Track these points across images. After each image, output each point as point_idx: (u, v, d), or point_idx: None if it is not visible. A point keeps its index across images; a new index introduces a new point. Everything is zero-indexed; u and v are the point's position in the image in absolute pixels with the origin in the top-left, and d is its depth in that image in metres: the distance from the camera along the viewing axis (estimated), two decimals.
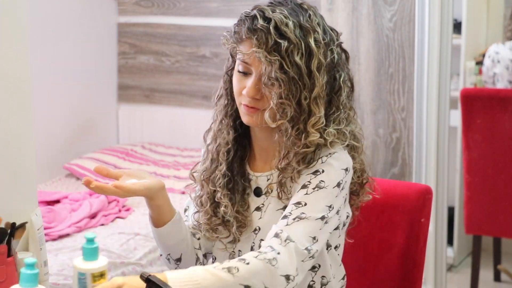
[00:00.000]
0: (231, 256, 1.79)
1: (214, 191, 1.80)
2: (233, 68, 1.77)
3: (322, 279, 1.77)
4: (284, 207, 1.71)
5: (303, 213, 1.63)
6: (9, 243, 1.93)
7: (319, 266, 1.76)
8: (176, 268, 1.80)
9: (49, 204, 3.53)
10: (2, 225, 1.95)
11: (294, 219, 1.63)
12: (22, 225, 1.99)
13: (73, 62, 4.31)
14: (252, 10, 1.70)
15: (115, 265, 2.98)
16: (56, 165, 4.14)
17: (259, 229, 1.76)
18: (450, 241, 3.95)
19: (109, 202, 3.54)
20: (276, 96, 1.65)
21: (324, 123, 1.69)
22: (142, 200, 3.74)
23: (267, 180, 1.78)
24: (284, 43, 1.63)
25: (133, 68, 4.62)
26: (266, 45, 1.64)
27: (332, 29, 1.74)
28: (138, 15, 4.55)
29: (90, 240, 1.71)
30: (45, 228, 2.97)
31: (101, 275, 1.70)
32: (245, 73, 1.71)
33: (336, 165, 1.68)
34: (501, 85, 3.61)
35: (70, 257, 2.93)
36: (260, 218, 1.77)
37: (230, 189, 1.79)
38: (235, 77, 1.74)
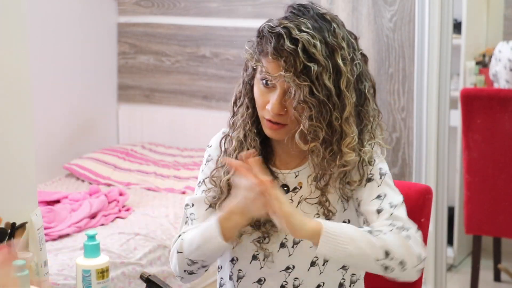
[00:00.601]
0: (256, 256, 1.77)
1: None
2: (253, 77, 1.74)
3: (352, 276, 1.80)
4: (319, 202, 1.72)
5: (390, 202, 1.68)
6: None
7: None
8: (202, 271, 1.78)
9: (49, 204, 3.53)
10: (2, 225, 1.95)
11: (391, 208, 1.67)
12: (22, 225, 1.99)
13: (73, 62, 4.31)
14: (276, 26, 1.65)
15: (115, 265, 2.98)
16: (56, 165, 4.14)
17: None
18: (450, 241, 3.95)
19: (109, 202, 3.54)
20: (307, 119, 1.63)
21: (356, 140, 1.68)
22: (142, 200, 3.77)
23: (295, 177, 1.76)
24: (313, 67, 1.60)
25: (133, 68, 4.62)
26: (295, 68, 1.61)
27: (351, 35, 1.71)
28: (138, 15, 4.55)
29: (92, 237, 1.71)
30: (45, 228, 2.97)
31: (105, 271, 1.70)
32: (269, 86, 1.68)
33: (379, 153, 1.75)
34: (499, 84, 3.62)
35: (70, 257, 2.93)
36: None
37: None
38: (258, 90, 1.71)
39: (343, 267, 1.77)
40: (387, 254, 1.59)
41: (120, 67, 4.64)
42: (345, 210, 1.75)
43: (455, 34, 3.74)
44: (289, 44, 1.61)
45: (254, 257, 1.76)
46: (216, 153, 1.82)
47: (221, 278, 1.86)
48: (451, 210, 3.91)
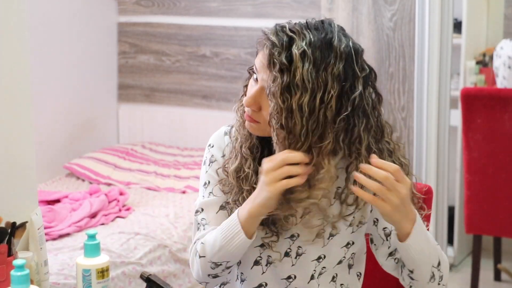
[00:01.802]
0: (258, 262, 1.76)
1: (251, 189, 1.70)
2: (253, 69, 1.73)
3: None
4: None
5: None
6: (9, 243, 1.93)
7: (361, 274, 1.82)
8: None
9: (49, 203, 3.53)
10: (3, 225, 1.95)
11: None
12: (23, 225, 1.99)
13: (73, 62, 4.31)
14: (282, 30, 1.62)
15: (115, 264, 2.98)
16: (56, 165, 4.14)
17: (298, 236, 1.73)
18: (450, 241, 3.95)
19: (109, 202, 3.54)
20: (277, 129, 1.61)
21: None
22: (142, 200, 3.77)
23: None
24: (294, 90, 1.56)
25: (133, 67, 4.62)
26: (277, 82, 1.57)
27: (366, 69, 1.65)
28: (138, 14, 4.55)
29: (92, 236, 1.71)
30: (45, 228, 2.97)
31: (105, 270, 1.70)
32: (256, 79, 1.67)
33: None
34: (498, 80, 3.62)
35: (70, 257, 2.93)
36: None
37: None
38: (250, 81, 1.71)
39: (333, 279, 1.76)
40: (439, 264, 1.66)
41: (120, 67, 4.64)
42: (352, 232, 1.75)
43: (455, 34, 3.74)
44: (283, 59, 1.58)
45: (256, 262, 1.75)
46: (219, 154, 1.80)
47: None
48: (451, 210, 3.91)
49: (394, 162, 1.64)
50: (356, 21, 3.41)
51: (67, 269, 2.84)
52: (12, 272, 1.57)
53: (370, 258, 1.88)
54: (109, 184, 3.95)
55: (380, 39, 3.39)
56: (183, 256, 3.27)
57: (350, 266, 1.78)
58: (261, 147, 1.73)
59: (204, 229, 1.76)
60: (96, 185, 3.82)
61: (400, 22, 3.36)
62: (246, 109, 1.68)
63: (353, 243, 1.75)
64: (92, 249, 1.70)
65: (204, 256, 1.70)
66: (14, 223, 1.96)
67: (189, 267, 3.30)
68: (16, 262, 1.57)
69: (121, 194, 3.64)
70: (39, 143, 3.74)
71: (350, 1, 3.41)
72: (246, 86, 1.74)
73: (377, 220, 1.74)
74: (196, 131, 4.47)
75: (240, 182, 1.72)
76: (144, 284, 1.69)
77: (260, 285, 1.76)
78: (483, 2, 4.16)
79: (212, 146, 1.82)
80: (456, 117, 3.66)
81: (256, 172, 1.68)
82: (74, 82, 4.33)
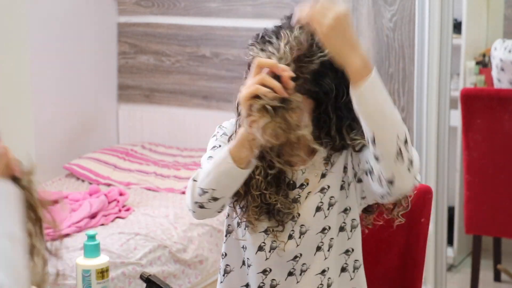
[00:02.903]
0: (262, 247, 1.78)
1: (259, 194, 1.76)
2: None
3: (355, 262, 1.82)
4: (321, 190, 1.76)
5: None
6: None
7: (353, 250, 1.81)
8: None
9: None
10: None
11: None
12: None
13: (73, 62, 4.31)
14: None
15: (115, 265, 2.98)
16: (56, 165, 4.14)
17: (299, 215, 1.77)
18: (450, 241, 3.94)
19: (109, 202, 3.54)
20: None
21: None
22: (142, 200, 3.77)
23: (302, 174, 1.78)
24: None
25: (133, 68, 4.62)
26: None
27: None
28: (138, 15, 4.55)
29: (92, 237, 1.72)
30: (45, 228, 2.97)
31: (105, 271, 1.70)
32: None
33: None
34: (494, 82, 3.62)
35: (70, 257, 2.93)
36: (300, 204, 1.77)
37: (272, 183, 1.77)
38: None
39: (346, 252, 1.79)
40: (405, 142, 1.60)
41: (120, 67, 4.64)
42: (347, 197, 1.78)
43: (455, 34, 3.74)
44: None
45: (260, 248, 1.78)
46: (230, 133, 1.83)
47: (227, 265, 1.87)
48: (451, 210, 3.91)
49: None
50: (356, 21, 3.40)
51: (67, 270, 2.84)
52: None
53: (370, 257, 1.88)
54: (109, 185, 3.95)
55: (380, 40, 3.39)
56: (183, 257, 3.27)
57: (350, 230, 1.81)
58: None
59: None
60: (96, 186, 3.81)
61: (400, 22, 3.36)
62: None
63: (350, 208, 1.79)
64: (92, 249, 1.70)
65: (196, 180, 1.72)
66: None
67: (189, 267, 3.30)
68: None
69: (121, 194, 3.64)
70: (39, 144, 3.74)
71: (350, 1, 3.41)
72: None
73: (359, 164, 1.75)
74: (196, 132, 4.46)
75: (248, 188, 1.75)
76: (144, 285, 1.69)
77: (265, 270, 1.79)
78: (483, 2, 4.16)
79: (225, 127, 1.88)
80: (456, 118, 3.66)
81: (266, 176, 1.74)
82: (74, 82, 4.33)
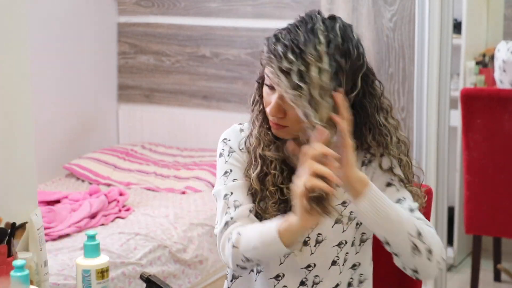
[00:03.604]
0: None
1: (276, 189, 1.76)
2: (263, 77, 1.76)
3: (360, 276, 1.82)
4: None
5: (409, 205, 1.71)
6: (9, 243, 1.93)
7: (359, 264, 1.80)
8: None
9: (49, 204, 3.53)
10: (2, 225, 1.95)
11: (410, 212, 1.69)
12: (22, 225, 1.99)
13: (73, 62, 4.31)
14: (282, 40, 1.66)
15: (115, 265, 2.98)
16: (56, 165, 4.14)
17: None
18: (450, 241, 3.95)
19: (109, 202, 3.54)
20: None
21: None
22: (142, 200, 3.77)
23: None
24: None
25: (133, 68, 4.62)
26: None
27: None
28: (138, 15, 4.55)
29: (92, 237, 1.72)
30: (45, 228, 2.97)
31: (105, 271, 1.70)
32: (272, 87, 1.71)
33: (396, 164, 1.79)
34: (496, 82, 3.63)
35: (70, 257, 2.93)
36: None
37: (287, 177, 1.77)
38: (264, 89, 1.75)
39: (352, 267, 1.79)
40: (419, 234, 1.63)
41: (120, 67, 4.64)
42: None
43: (455, 34, 3.74)
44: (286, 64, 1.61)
45: None
46: (236, 146, 1.83)
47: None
48: (451, 210, 3.91)
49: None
50: (356, 21, 3.40)
51: (67, 270, 2.84)
52: (12, 273, 1.57)
53: (373, 258, 1.88)
54: (109, 185, 3.95)
55: (380, 40, 3.39)
56: (183, 257, 3.27)
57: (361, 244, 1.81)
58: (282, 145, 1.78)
59: (235, 210, 1.76)
60: (96, 186, 3.81)
61: (400, 22, 3.36)
62: (270, 117, 1.73)
63: (361, 223, 1.78)
64: (92, 249, 1.70)
65: (237, 247, 1.70)
66: (14, 223, 1.96)
67: (189, 267, 3.30)
68: (16, 262, 1.57)
69: (121, 194, 3.64)
70: (39, 144, 3.74)
71: (350, 1, 3.41)
72: (259, 95, 1.79)
73: None
74: (196, 132, 4.47)
75: (264, 185, 1.76)
76: (144, 285, 1.69)
77: (278, 276, 1.78)
78: (483, 2, 4.16)
79: (229, 140, 1.85)
80: (456, 118, 3.66)
81: (281, 172, 1.75)
82: (74, 83, 4.33)
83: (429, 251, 1.63)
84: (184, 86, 4.50)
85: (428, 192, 1.97)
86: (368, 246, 1.83)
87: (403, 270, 1.69)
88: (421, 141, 3.38)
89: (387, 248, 1.66)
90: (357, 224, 1.78)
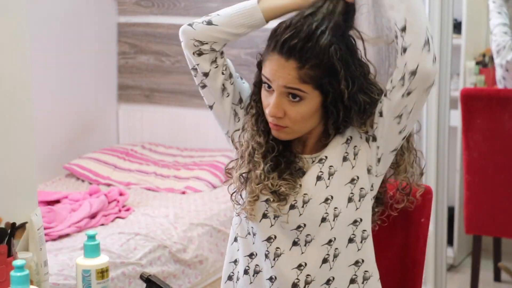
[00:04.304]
0: (266, 215, 1.79)
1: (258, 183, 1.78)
2: (260, 81, 1.79)
3: (365, 273, 1.81)
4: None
5: None
6: (9, 243, 1.93)
7: (363, 261, 1.80)
8: None
9: (49, 204, 3.53)
10: (2, 225, 1.95)
11: None
12: (22, 225, 1.99)
13: (73, 62, 4.31)
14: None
15: (115, 265, 2.98)
16: (56, 165, 4.14)
17: (301, 186, 1.77)
18: (450, 241, 3.94)
19: (109, 202, 3.54)
20: None
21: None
22: (142, 200, 3.77)
23: (312, 162, 1.80)
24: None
25: (133, 68, 4.62)
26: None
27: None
28: (138, 15, 4.55)
29: (92, 237, 1.72)
30: (45, 228, 2.97)
31: (105, 271, 1.70)
32: (270, 89, 1.73)
33: None
34: (497, 78, 3.62)
35: (70, 257, 2.93)
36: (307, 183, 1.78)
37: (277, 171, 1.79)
38: (262, 93, 1.77)
39: (356, 264, 1.79)
40: (432, 38, 1.68)
41: (120, 67, 4.64)
42: (353, 167, 1.78)
43: (455, 34, 3.73)
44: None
45: (264, 216, 1.79)
46: None
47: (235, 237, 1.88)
48: (451, 210, 3.91)
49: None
50: (356, 21, 3.40)
51: (67, 270, 2.84)
52: (12, 273, 1.58)
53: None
54: (109, 185, 3.95)
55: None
56: (183, 257, 3.27)
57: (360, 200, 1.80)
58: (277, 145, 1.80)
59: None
60: (96, 186, 3.82)
61: None
62: (270, 119, 1.74)
63: (358, 178, 1.77)
64: (92, 249, 1.70)
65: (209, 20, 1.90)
66: (14, 223, 1.96)
67: (189, 267, 3.30)
68: (16, 262, 1.57)
69: (121, 194, 3.64)
70: (39, 144, 3.74)
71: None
72: (254, 100, 1.82)
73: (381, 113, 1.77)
74: (196, 132, 4.47)
75: (246, 182, 1.80)
76: (144, 285, 1.69)
77: (269, 237, 1.79)
78: (483, 2, 4.16)
79: None
80: (456, 118, 3.66)
81: (267, 171, 1.77)
82: (74, 83, 4.33)
83: (435, 58, 1.68)
84: (184, 86, 4.50)
85: (428, 192, 1.97)
86: (369, 204, 1.81)
87: (401, 83, 1.72)
88: (421, 141, 3.38)
89: (400, 40, 1.68)
90: (352, 180, 1.78)
